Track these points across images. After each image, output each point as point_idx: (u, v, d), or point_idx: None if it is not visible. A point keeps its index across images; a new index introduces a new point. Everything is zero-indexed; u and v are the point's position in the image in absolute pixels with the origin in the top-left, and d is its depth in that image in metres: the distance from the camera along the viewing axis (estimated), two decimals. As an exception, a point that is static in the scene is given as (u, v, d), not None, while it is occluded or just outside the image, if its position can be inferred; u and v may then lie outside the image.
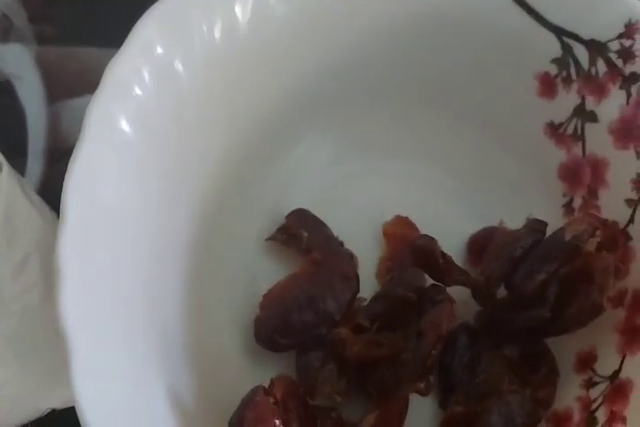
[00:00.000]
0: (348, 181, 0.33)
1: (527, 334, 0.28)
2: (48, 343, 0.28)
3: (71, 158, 0.23)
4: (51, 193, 0.32)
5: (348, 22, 0.30)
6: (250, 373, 0.29)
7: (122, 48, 0.25)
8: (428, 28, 0.30)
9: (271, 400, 0.24)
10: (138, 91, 0.25)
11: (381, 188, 0.33)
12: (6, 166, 0.30)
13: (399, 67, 0.32)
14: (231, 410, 0.26)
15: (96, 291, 0.22)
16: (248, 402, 0.24)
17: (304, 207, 0.32)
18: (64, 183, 0.23)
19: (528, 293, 0.27)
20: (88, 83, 0.36)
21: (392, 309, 0.29)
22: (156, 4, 0.25)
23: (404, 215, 0.32)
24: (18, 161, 0.33)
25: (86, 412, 0.20)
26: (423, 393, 0.27)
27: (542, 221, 0.28)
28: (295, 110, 0.31)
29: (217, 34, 0.27)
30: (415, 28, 0.30)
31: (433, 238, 0.29)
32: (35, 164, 0.34)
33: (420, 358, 0.26)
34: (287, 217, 0.32)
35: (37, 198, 0.31)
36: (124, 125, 0.25)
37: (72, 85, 0.36)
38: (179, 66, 0.26)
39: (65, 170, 0.34)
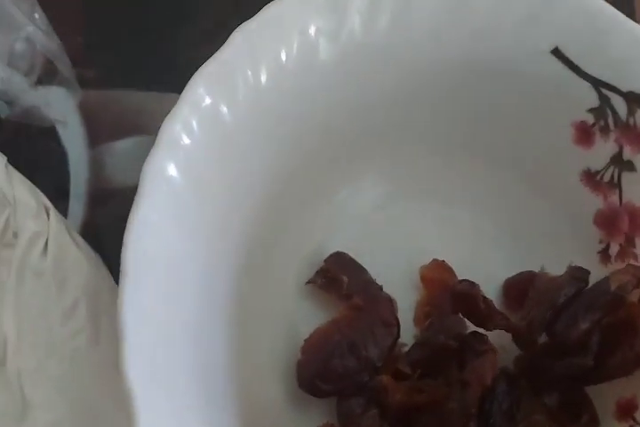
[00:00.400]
0: (386, 225, 0.34)
1: (568, 381, 0.28)
2: (95, 388, 0.28)
3: (129, 216, 0.24)
4: (92, 235, 0.34)
5: (390, 66, 0.30)
6: (292, 419, 0.29)
7: (174, 107, 0.25)
8: (465, 75, 0.31)
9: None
10: (186, 140, 0.26)
11: (418, 231, 0.34)
12: (53, 211, 0.31)
13: (440, 112, 0.32)
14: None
15: (155, 351, 0.23)
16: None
17: (343, 250, 0.32)
18: (124, 240, 0.23)
19: (571, 341, 0.27)
20: (129, 125, 0.37)
21: (433, 356, 0.29)
22: (206, 62, 0.26)
23: (441, 259, 0.33)
24: (60, 204, 0.34)
25: None
26: None
27: (585, 270, 0.29)
28: (340, 153, 0.32)
29: (263, 78, 0.28)
30: (452, 74, 0.31)
31: (474, 283, 0.29)
32: (76, 206, 0.35)
33: (464, 408, 0.26)
34: (326, 260, 0.32)
35: (82, 241, 0.32)
36: (175, 174, 0.25)
37: (113, 128, 0.36)
38: (224, 110, 0.27)
39: (107, 212, 0.36)
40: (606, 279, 0.28)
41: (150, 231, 0.24)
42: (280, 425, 0.29)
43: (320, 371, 0.29)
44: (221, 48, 0.26)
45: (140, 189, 0.24)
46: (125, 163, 0.36)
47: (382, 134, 0.33)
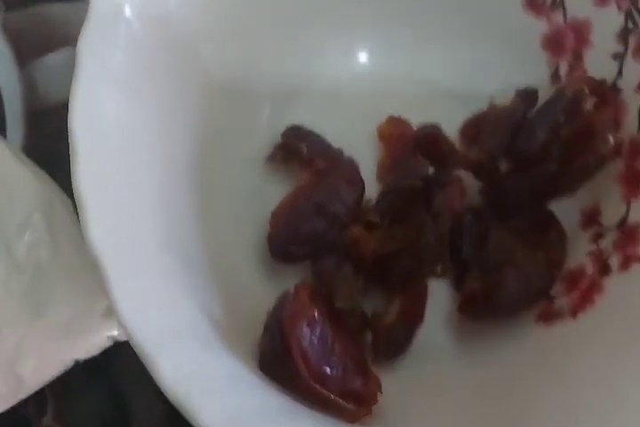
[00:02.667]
0: (341, 91, 0.33)
1: (533, 197, 0.28)
2: (63, 296, 0.28)
3: (71, 88, 0.23)
4: (37, 155, 0.32)
5: None
6: (270, 288, 0.29)
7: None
8: None
9: (306, 296, 0.24)
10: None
11: (371, 90, 0.33)
12: None
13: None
14: (259, 321, 0.26)
15: (119, 218, 0.22)
16: (282, 304, 0.24)
17: (299, 123, 0.32)
18: (69, 115, 0.22)
19: (533, 153, 0.27)
20: (57, 37, 0.36)
21: (400, 201, 0.29)
22: None
23: (397, 115, 0.32)
24: None
25: (135, 333, 0.20)
26: (440, 275, 0.27)
27: (533, 89, 0.28)
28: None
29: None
30: None
31: (435, 125, 0.29)
32: (14, 129, 0.33)
33: (438, 238, 0.26)
34: (283, 134, 0.31)
35: (27, 159, 0.31)
36: (117, 50, 0.25)
37: (40, 44, 0.35)
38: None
39: (47, 131, 0.35)
40: (561, 89, 0.28)
41: (96, 103, 0.23)
42: (260, 293, 0.28)
43: (291, 238, 0.28)
44: None
45: (77, 63, 0.23)
46: (58, 77, 0.34)
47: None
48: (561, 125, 0.27)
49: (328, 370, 0.23)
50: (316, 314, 0.23)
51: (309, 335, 0.23)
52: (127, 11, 0.25)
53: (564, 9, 0.30)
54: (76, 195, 0.22)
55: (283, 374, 0.23)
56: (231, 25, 0.30)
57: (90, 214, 0.21)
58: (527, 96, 0.29)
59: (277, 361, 0.23)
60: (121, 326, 0.20)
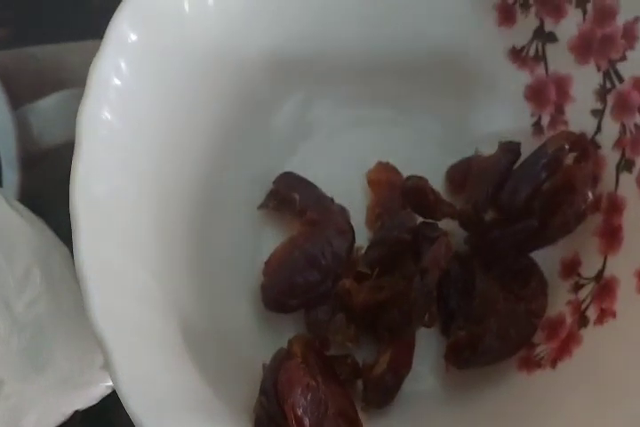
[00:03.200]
0: (328, 138, 0.34)
1: (516, 249, 0.29)
2: (62, 351, 0.28)
3: (73, 163, 0.23)
4: (31, 200, 0.32)
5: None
6: (262, 336, 0.30)
7: (100, 49, 0.25)
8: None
9: (299, 361, 0.25)
10: (117, 81, 0.26)
11: (360, 140, 0.34)
12: None
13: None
14: (256, 373, 0.27)
15: (120, 291, 0.23)
16: (277, 366, 0.25)
17: (290, 170, 0.33)
18: (70, 187, 0.23)
19: (515, 208, 0.28)
20: (50, 82, 0.36)
21: (389, 252, 0.30)
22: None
23: (385, 161, 0.33)
24: None
25: (132, 406, 0.21)
26: (429, 325, 0.28)
27: (515, 142, 0.30)
28: (279, 73, 0.32)
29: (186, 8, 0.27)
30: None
31: (422, 177, 0.30)
32: (9, 173, 0.33)
33: (426, 293, 0.27)
34: (275, 182, 0.32)
35: (22, 207, 0.31)
36: (110, 117, 0.25)
37: (34, 87, 0.35)
38: (152, 45, 0.27)
39: (41, 174, 0.35)
40: (543, 145, 0.29)
41: (96, 175, 0.24)
42: (251, 343, 0.30)
43: (285, 289, 0.30)
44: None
45: (77, 138, 0.24)
46: (52, 121, 0.35)
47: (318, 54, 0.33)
48: (543, 181, 0.29)
49: (322, 434, 0.24)
50: (309, 380, 0.24)
51: (304, 401, 0.24)
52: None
53: (545, 63, 0.31)
54: (77, 265, 0.22)
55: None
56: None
57: (91, 287, 0.22)
58: (510, 149, 0.30)
59: (273, 425, 0.25)
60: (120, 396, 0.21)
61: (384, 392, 0.28)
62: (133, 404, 0.21)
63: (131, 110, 0.26)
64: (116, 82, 0.26)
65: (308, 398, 0.24)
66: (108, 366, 0.22)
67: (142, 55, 0.26)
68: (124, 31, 0.26)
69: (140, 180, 0.26)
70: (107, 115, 0.25)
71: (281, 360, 0.26)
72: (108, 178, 0.25)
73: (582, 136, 0.29)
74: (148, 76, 0.27)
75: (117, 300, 0.23)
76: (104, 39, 0.26)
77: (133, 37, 0.26)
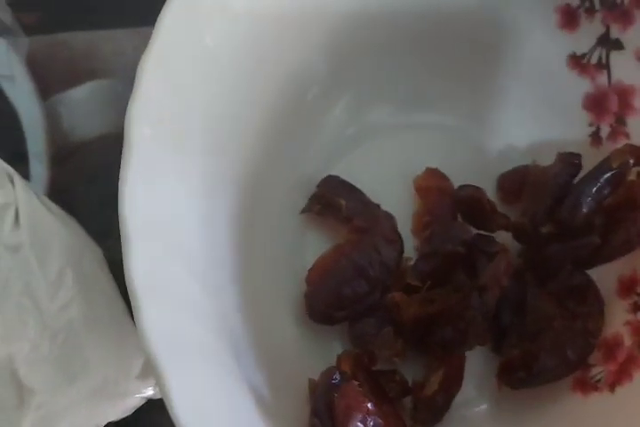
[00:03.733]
0: (374, 142, 0.32)
1: (574, 265, 0.28)
2: (95, 360, 0.27)
3: (121, 172, 0.22)
4: (60, 196, 0.31)
5: None
6: (305, 347, 0.29)
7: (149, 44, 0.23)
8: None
9: (356, 385, 0.24)
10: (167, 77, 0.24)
11: (407, 145, 0.32)
12: (17, 178, 0.28)
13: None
14: (301, 387, 0.26)
15: (171, 305, 0.22)
16: (330, 388, 0.24)
17: (335, 174, 0.31)
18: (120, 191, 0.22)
19: (576, 223, 0.27)
20: (81, 71, 0.34)
21: (441, 265, 0.29)
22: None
23: (434, 167, 0.32)
24: (20, 168, 0.30)
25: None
26: (482, 343, 0.27)
27: (576, 154, 0.29)
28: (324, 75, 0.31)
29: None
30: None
31: (478, 187, 0.29)
32: (38, 167, 0.32)
33: (485, 313, 0.26)
34: (319, 185, 0.31)
35: (54, 206, 0.29)
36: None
37: (64, 76, 0.34)
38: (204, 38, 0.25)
39: (71, 169, 0.34)
40: (607, 159, 0.28)
41: (144, 185, 0.22)
42: (295, 356, 0.28)
43: (332, 300, 0.28)
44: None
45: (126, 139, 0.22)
46: (83, 113, 0.33)
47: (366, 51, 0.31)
48: (605, 197, 0.27)
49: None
50: (369, 406, 0.23)
51: (363, 428, 0.23)
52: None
53: (608, 71, 0.30)
54: (128, 283, 0.21)
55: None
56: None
57: (142, 301, 0.21)
58: (571, 162, 0.28)
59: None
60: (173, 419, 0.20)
61: (435, 412, 0.27)
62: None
63: (181, 107, 0.25)
64: (167, 78, 0.24)
65: (368, 424, 0.23)
66: (159, 386, 0.20)
67: (192, 51, 0.25)
68: (174, 25, 0.24)
69: (186, 181, 0.25)
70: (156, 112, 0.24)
71: (330, 378, 0.25)
72: (155, 181, 0.23)
73: (646, 150, 0.28)
74: (199, 72, 0.25)
75: (170, 316, 0.22)
76: (154, 32, 0.24)
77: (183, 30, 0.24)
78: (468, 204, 0.29)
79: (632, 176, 0.28)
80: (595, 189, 0.27)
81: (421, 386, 0.27)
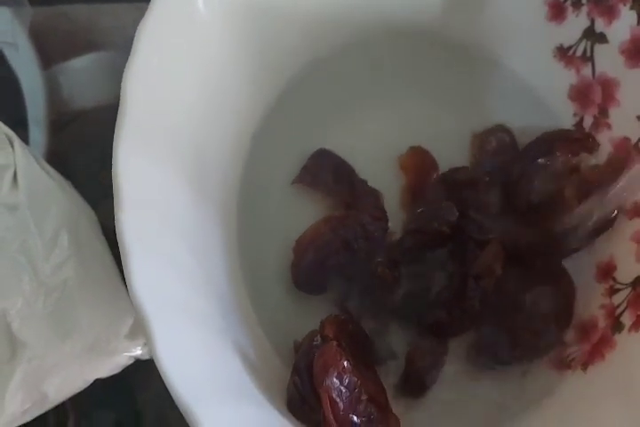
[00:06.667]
0: (365, 122, 0.33)
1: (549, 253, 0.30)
2: (88, 319, 0.28)
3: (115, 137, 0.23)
4: (58, 162, 0.32)
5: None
6: (297, 314, 0.30)
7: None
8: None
9: (335, 345, 0.25)
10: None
11: (397, 126, 0.33)
12: (17, 141, 0.29)
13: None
14: (287, 352, 0.27)
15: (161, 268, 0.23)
16: (311, 349, 0.25)
17: (327, 148, 0.32)
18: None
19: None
20: (82, 42, 0.35)
21: (425, 242, 0.30)
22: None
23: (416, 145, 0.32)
24: (20, 133, 0.31)
25: (178, 389, 0.21)
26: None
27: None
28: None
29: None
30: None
31: (469, 170, 0.30)
32: (37, 133, 0.33)
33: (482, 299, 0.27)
34: (311, 158, 0.32)
35: (52, 170, 0.30)
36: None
37: (65, 47, 0.34)
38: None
39: (69, 136, 0.34)
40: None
41: (136, 148, 0.23)
42: (282, 320, 0.29)
43: (316, 269, 0.29)
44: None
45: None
46: (82, 83, 0.34)
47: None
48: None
49: (355, 418, 0.24)
50: (345, 364, 0.24)
51: (339, 385, 0.24)
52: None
53: (592, 63, 0.31)
54: (120, 240, 0.22)
55: (310, 419, 0.24)
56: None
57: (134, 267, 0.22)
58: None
59: (306, 406, 0.25)
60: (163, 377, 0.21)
61: (424, 385, 0.28)
62: (173, 379, 0.21)
63: (175, 74, 0.25)
64: (161, 46, 0.25)
65: (344, 381, 0.24)
66: (148, 342, 0.21)
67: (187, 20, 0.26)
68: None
69: (177, 146, 0.26)
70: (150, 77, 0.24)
71: (311, 340, 0.26)
72: (148, 150, 0.24)
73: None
74: (193, 41, 0.26)
75: (160, 275, 0.23)
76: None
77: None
78: (461, 186, 0.30)
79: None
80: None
81: (413, 360, 0.28)
